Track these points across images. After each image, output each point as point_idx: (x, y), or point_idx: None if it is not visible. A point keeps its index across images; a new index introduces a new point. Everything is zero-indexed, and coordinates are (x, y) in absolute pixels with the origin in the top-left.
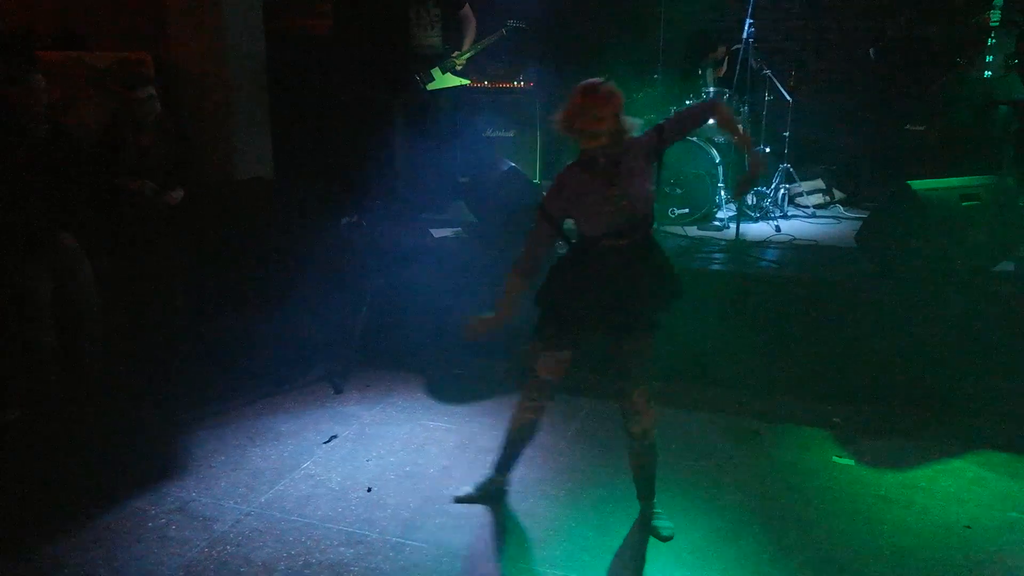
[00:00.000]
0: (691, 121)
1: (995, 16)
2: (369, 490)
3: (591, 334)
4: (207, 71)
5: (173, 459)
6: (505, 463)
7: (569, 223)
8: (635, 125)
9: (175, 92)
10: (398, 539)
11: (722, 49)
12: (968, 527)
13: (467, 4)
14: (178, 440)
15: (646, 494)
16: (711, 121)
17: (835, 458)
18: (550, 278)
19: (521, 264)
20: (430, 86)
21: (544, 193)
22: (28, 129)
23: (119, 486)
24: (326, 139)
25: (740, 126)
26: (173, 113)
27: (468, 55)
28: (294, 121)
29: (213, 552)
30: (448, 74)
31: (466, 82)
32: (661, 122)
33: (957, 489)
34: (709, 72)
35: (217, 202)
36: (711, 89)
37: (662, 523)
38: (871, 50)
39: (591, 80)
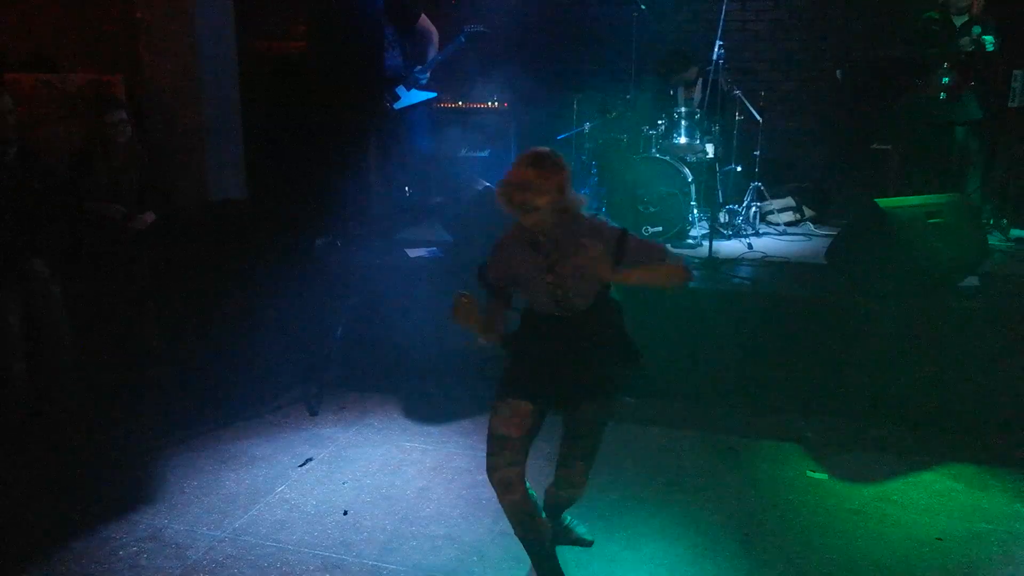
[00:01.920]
0: (647, 261)
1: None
2: (345, 513)
3: (543, 398)
4: (179, 94)
5: (145, 485)
6: (535, 551)
7: None
8: (582, 202)
9: (147, 115)
10: (374, 562)
11: (694, 70)
12: (940, 539)
13: (422, 17)
14: (150, 466)
15: (556, 515)
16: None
17: (809, 472)
18: (509, 339)
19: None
20: (397, 105)
21: (487, 257)
22: None
23: (90, 514)
24: (300, 161)
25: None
26: (144, 136)
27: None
28: (267, 143)
29: None
30: (413, 90)
31: (433, 95)
32: (624, 235)
33: (928, 502)
34: (680, 92)
35: (189, 225)
36: (682, 109)
37: (581, 529)
38: (838, 71)
39: (537, 149)
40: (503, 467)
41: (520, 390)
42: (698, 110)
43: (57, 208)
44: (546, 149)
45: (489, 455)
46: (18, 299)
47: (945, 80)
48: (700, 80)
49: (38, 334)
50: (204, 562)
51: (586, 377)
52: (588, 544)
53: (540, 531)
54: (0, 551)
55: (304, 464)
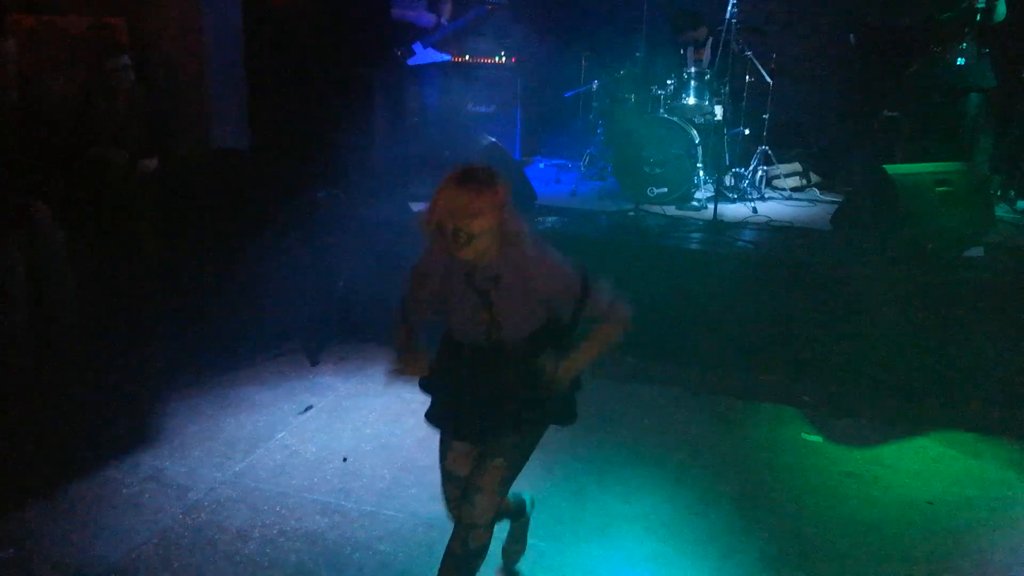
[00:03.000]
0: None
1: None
2: (344, 460)
3: (470, 433)
4: (182, 40)
5: (147, 429)
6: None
7: None
8: (525, 228)
9: (150, 61)
10: (373, 508)
11: (703, 29)
12: (930, 503)
13: None
14: (152, 410)
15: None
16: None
17: (804, 435)
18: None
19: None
20: (411, 61)
21: (404, 289)
22: None
23: (93, 456)
24: (304, 112)
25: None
26: (147, 82)
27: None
28: (271, 93)
29: (187, 519)
30: (429, 49)
31: (447, 57)
32: (587, 286)
33: (921, 467)
34: (690, 52)
35: (191, 173)
36: (692, 69)
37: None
38: (851, 36)
39: (466, 165)
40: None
41: (450, 430)
42: (707, 71)
43: (59, 153)
44: (477, 164)
45: (444, 488)
46: (21, 243)
47: (963, 45)
48: (710, 41)
49: (41, 278)
50: (205, 502)
51: (507, 410)
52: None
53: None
54: (5, 491)
55: (304, 412)
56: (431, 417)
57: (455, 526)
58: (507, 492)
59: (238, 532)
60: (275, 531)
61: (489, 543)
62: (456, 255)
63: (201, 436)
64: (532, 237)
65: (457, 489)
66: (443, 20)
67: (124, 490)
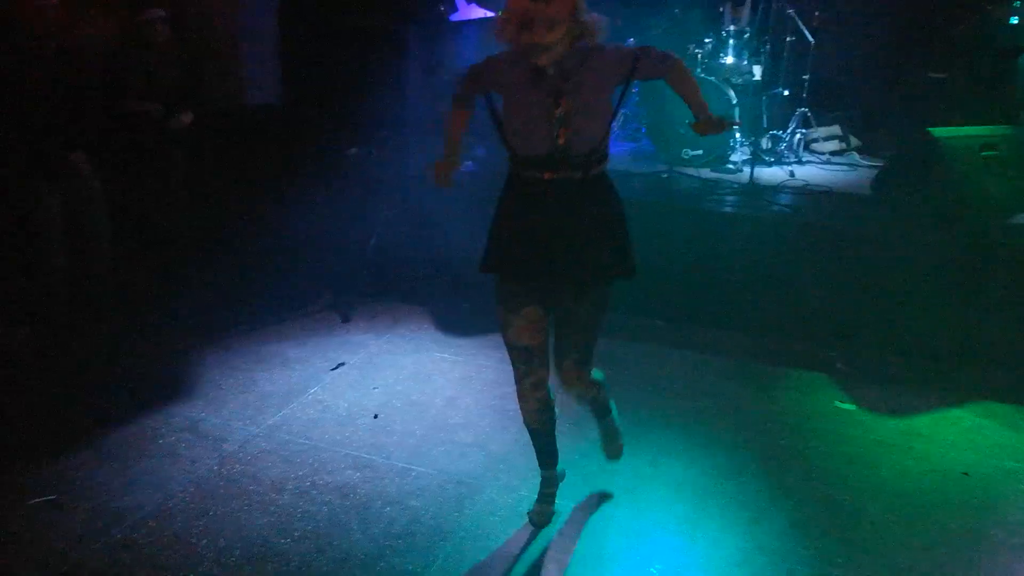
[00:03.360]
0: (657, 69)
1: None
2: (376, 417)
3: (538, 282)
4: None
5: (182, 381)
6: (544, 459)
7: None
8: (601, 25)
9: (184, 16)
10: (404, 464)
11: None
12: (965, 474)
13: None
14: (187, 363)
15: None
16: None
17: (837, 403)
18: (495, 212)
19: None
20: (453, 17)
21: (470, 67)
22: (36, 49)
23: (129, 405)
24: (337, 67)
25: (697, 94)
26: (182, 37)
27: None
28: (305, 49)
29: (222, 470)
30: (473, 3)
31: (491, 14)
32: (638, 49)
33: (956, 437)
34: (727, 9)
35: (226, 128)
36: (730, 27)
37: (608, 441)
38: None
39: None
40: (531, 371)
41: (519, 294)
42: (747, 29)
43: (95, 104)
44: None
45: (517, 365)
46: (58, 193)
47: (1016, 3)
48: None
49: (77, 228)
50: (239, 454)
51: (581, 257)
52: (611, 456)
53: (548, 442)
54: (45, 437)
55: (336, 368)
56: (494, 265)
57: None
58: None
59: (272, 483)
60: (308, 483)
61: (604, 389)
62: (532, 43)
63: (235, 390)
64: (602, 26)
65: (533, 359)
66: None
67: (161, 440)
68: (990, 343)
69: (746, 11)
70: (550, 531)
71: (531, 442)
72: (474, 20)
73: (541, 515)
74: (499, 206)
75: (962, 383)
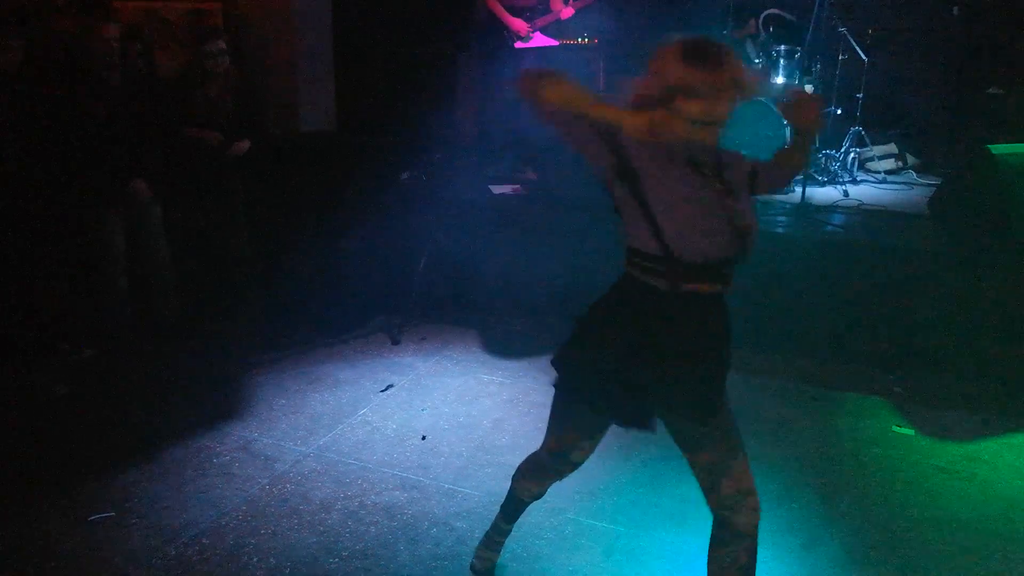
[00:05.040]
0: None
1: None
2: (423, 438)
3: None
4: (273, 24)
5: (237, 401)
6: (511, 515)
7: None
8: (756, 83)
9: (242, 44)
10: (450, 486)
11: (752, 22)
12: None
13: None
14: (241, 383)
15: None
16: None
17: (895, 427)
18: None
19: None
20: (519, 43)
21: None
22: (102, 78)
23: (186, 424)
24: (390, 93)
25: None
26: (240, 66)
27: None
28: (358, 75)
29: (274, 489)
30: (538, 33)
31: (555, 43)
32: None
33: (1021, 463)
34: (748, 45)
35: (282, 154)
36: (757, 59)
37: None
38: (954, 8)
39: (686, 38)
40: (559, 478)
41: (618, 416)
42: (798, 48)
43: (158, 133)
44: (697, 36)
45: (559, 469)
46: (121, 219)
47: None
48: (763, 26)
49: (139, 252)
50: (291, 474)
51: (710, 376)
52: None
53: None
54: (105, 455)
55: (385, 390)
56: (588, 400)
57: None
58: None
59: (321, 503)
60: (356, 504)
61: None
62: (684, 140)
63: (287, 410)
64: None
65: (567, 471)
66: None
67: (215, 459)
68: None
69: (756, 26)
70: (596, 554)
71: (505, 499)
72: (534, 48)
73: (485, 562)
74: (605, 319)
75: None
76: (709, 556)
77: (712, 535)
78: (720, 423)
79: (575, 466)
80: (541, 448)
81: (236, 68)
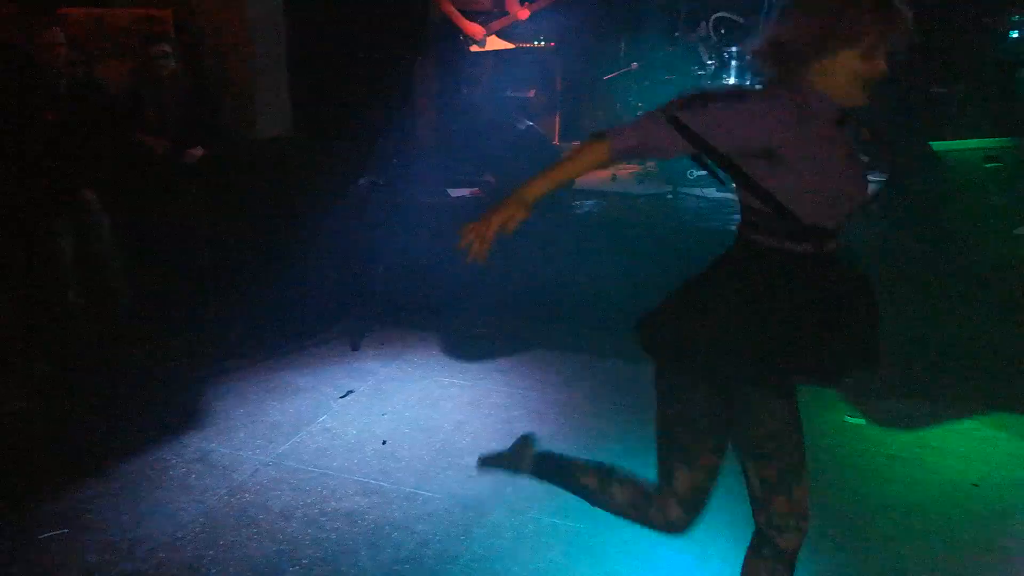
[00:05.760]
0: None
1: None
2: (384, 443)
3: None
4: (228, 31)
5: (194, 412)
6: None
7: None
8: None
9: (196, 51)
10: (411, 489)
11: (703, 25)
12: (976, 485)
13: None
14: (199, 393)
15: None
16: None
17: (847, 418)
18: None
19: (622, 137)
20: (475, 47)
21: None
22: (48, 85)
23: (142, 437)
24: (347, 98)
25: None
26: (193, 72)
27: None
28: (315, 80)
29: (232, 500)
30: (493, 36)
31: (511, 46)
32: None
33: (967, 449)
34: (700, 48)
35: (238, 161)
36: (710, 62)
37: None
38: None
39: None
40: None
41: (817, 371)
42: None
43: (106, 141)
44: None
45: (677, 524)
46: (70, 228)
47: (1015, 18)
48: (714, 29)
49: (90, 263)
50: (249, 483)
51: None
52: None
53: None
54: (59, 470)
55: (345, 396)
56: (765, 371)
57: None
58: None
59: (281, 512)
60: (316, 511)
61: None
62: (854, 98)
63: (246, 419)
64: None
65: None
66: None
67: (172, 471)
68: (1000, 353)
69: (706, 29)
70: (556, 551)
71: (564, 479)
72: (491, 52)
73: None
74: (746, 294)
75: (973, 395)
76: (747, 561)
77: (752, 544)
78: (795, 438)
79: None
80: (663, 494)
81: (192, 75)
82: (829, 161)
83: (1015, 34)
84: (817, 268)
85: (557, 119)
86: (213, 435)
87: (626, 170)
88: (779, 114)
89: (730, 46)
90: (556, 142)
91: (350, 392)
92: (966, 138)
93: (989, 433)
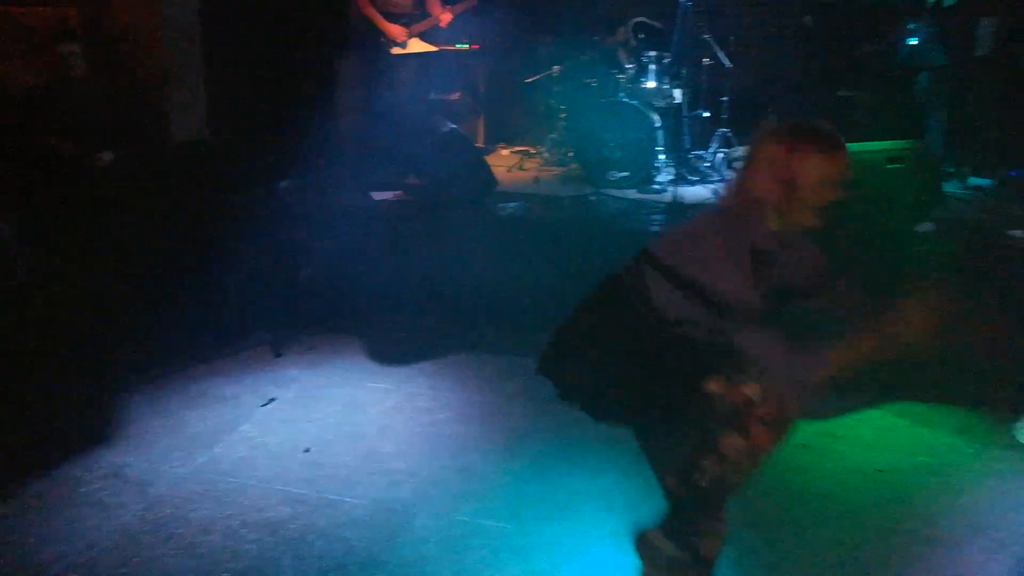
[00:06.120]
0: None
1: None
2: (307, 451)
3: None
4: (140, 28)
5: (108, 426)
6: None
7: None
8: None
9: (107, 51)
10: (336, 497)
11: (620, 30)
12: (881, 471)
13: None
14: (113, 406)
15: None
16: None
17: None
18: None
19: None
20: (396, 50)
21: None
22: None
23: (53, 454)
24: (267, 101)
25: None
26: (104, 73)
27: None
28: (233, 82)
29: (149, 515)
30: (415, 38)
31: (434, 48)
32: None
33: (874, 437)
34: (618, 52)
35: (152, 165)
36: (629, 65)
37: None
38: (807, 18)
39: (814, 123)
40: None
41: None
42: (667, 54)
43: (10, 144)
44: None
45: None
46: None
47: (911, 26)
48: (633, 34)
49: None
50: (167, 497)
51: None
52: None
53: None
54: None
55: (267, 404)
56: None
57: None
58: None
59: (200, 525)
60: (237, 523)
61: None
62: (791, 226)
63: (163, 431)
64: None
65: None
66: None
67: (83, 488)
68: (904, 344)
69: (625, 33)
70: (483, 552)
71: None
72: (414, 55)
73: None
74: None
75: (879, 385)
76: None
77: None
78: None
79: None
80: None
81: (98, 75)
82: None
83: (913, 41)
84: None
85: (481, 122)
86: (127, 449)
87: (549, 172)
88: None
89: (648, 50)
90: (480, 144)
91: (272, 400)
92: (870, 140)
93: (892, 421)
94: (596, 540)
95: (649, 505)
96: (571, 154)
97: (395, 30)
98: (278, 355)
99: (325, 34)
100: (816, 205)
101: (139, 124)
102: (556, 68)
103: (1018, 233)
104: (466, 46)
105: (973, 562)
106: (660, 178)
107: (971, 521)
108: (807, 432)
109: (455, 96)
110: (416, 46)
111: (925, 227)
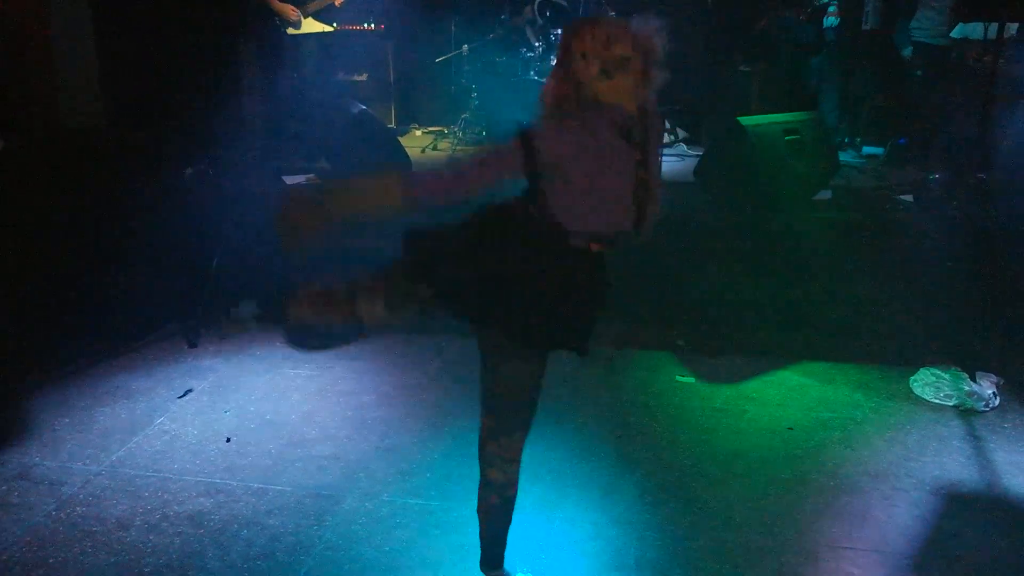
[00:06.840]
0: None
1: None
2: (228, 440)
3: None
4: (27, 16)
5: (13, 425)
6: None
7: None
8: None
9: None
10: (260, 485)
11: (528, 9)
12: (791, 429)
13: None
14: (19, 404)
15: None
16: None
17: (678, 377)
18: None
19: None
20: (291, 31)
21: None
22: None
23: None
24: (164, 84)
25: None
26: None
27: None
28: (128, 67)
29: (61, 514)
30: (310, 19)
31: (330, 28)
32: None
33: (782, 397)
34: (527, 31)
35: (44, 154)
36: (537, 44)
37: None
38: None
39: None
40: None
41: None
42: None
43: None
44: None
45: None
46: None
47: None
48: (539, 12)
49: None
50: (80, 496)
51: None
52: None
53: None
54: None
55: (184, 395)
56: (509, 332)
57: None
58: None
59: (118, 521)
60: (157, 516)
61: None
62: (604, 97)
63: (74, 428)
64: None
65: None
66: None
67: None
68: (807, 309)
69: (532, 12)
70: (410, 530)
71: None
72: (312, 34)
73: None
74: (507, 258)
75: (786, 348)
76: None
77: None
78: (520, 400)
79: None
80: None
81: None
82: (616, 162)
83: (802, 19)
84: (565, 254)
85: (392, 102)
86: (35, 449)
87: (464, 152)
88: (572, 129)
89: (555, 29)
90: (392, 125)
91: (189, 391)
92: (769, 113)
93: (800, 381)
94: (522, 509)
95: (574, 470)
96: (484, 133)
97: (287, 9)
98: (192, 345)
99: (220, 17)
100: (595, 71)
101: (28, 112)
102: (466, 47)
103: (907, 198)
104: (371, 26)
105: (874, 506)
106: None
107: (872, 470)
108: (723, 396)
109: (362, 77)
110: (313, 26)
111: (823, 195)
